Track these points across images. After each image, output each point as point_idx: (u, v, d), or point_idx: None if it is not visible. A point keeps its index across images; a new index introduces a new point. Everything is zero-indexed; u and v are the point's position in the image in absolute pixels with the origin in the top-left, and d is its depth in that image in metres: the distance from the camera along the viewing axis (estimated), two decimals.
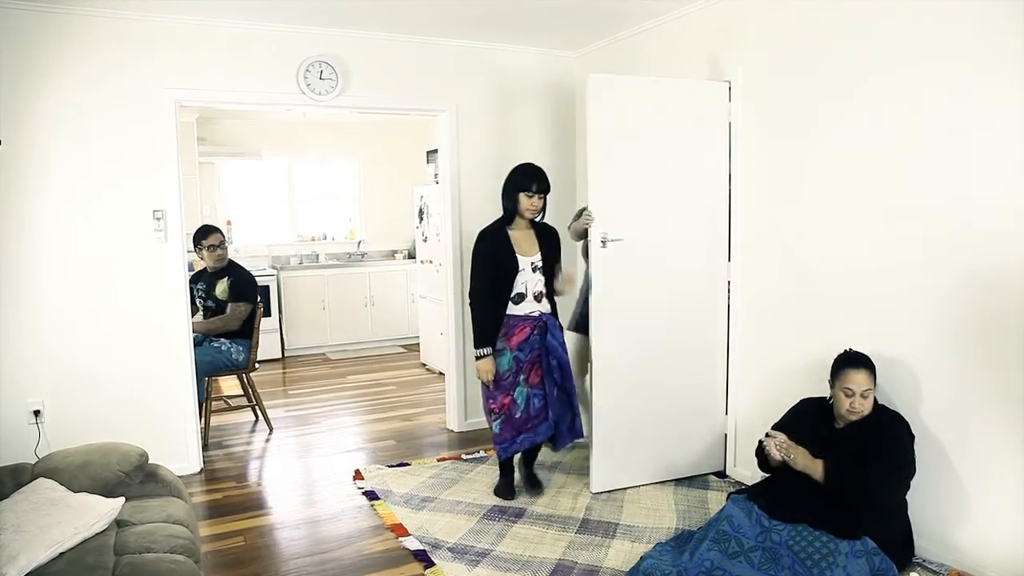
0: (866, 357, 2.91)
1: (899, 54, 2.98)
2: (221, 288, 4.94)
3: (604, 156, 3.67)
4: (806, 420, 3.04)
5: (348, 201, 8.51)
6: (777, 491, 2.85)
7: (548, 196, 3.68)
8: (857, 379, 2.84)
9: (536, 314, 3.65)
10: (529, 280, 3.64)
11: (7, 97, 3.69)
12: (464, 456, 4.40)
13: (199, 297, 4.99)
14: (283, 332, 7.57)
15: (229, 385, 5.99)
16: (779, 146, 3.58)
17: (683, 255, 3.92)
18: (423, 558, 3.13)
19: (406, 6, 4.00)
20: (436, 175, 6.74)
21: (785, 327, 3.62)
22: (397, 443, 4.76)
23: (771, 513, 2.78)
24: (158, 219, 4.06)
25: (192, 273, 4.90)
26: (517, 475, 3.88)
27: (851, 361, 2.89)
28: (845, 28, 3.20)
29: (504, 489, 3.78)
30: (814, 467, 2.80)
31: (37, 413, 3.86)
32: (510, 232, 3.67)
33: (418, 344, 7.43)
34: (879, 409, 2.92)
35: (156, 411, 4.12)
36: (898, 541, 2.79)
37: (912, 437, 2.83)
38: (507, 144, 4.97)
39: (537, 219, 3.71)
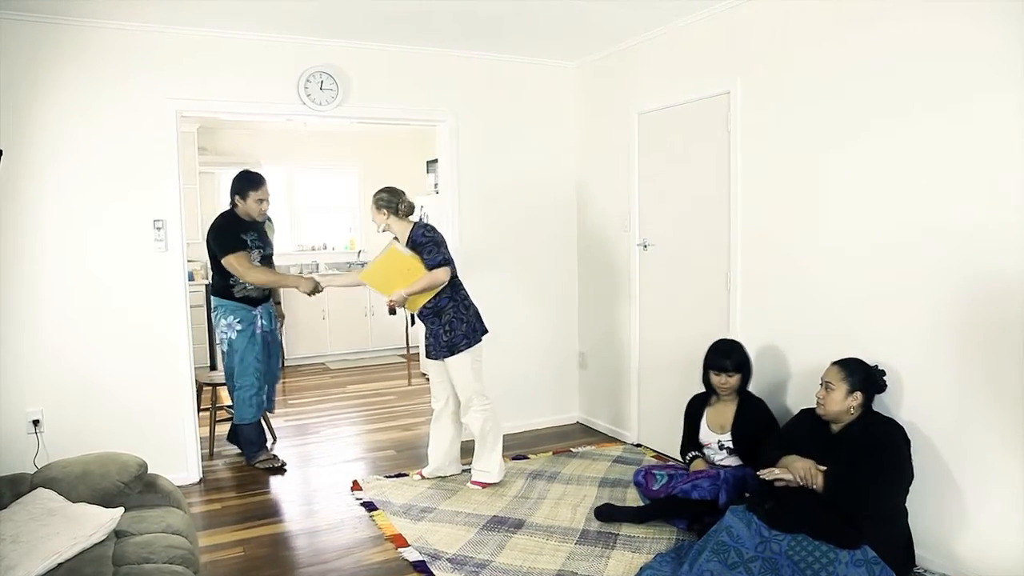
0: (846, 359, 3.00)
1: (900, 62, 3.00)
2: (272, 231, 4.59)
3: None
4: (804, 428, 3.05)
5: (348, 210, 8.53)
6: (777, 501, 2.84)
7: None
8: (829, 371, 2.99)
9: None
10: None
11: (8, 107, 3.71)
12: (463, 466, 4.38)
13: (256, 248, 4.34)
14: (283, 341, 7.55)
15: None
16: (777, 154, 3.60)
17: (700, 258, 4.11)
18: (423, 569, 3.12)
19: (406, 17, 4.02)
20: (436, 185, 6.75)
21: (784, 334, 3.62)
22: (397, 453, 4.75)
23: (770, 523, 2.77)
24: (158, 229, 4.07)
25: (229, 222, 4.31)
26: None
27: (837, 359, 3.03)
28: (844, 32, 3.22)
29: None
30: (817, 480, 2.81)
31: (36, 423, 3.86)
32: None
33: (418, 354, 7.42)
34: (874, 415, 2.94)
35: (156, 421, 4.12)
36: (899, 550, 2.78)
37: (908, 442, 2.84)
38: (507, 154, 4.99)
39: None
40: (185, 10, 3.78)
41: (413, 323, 4.14)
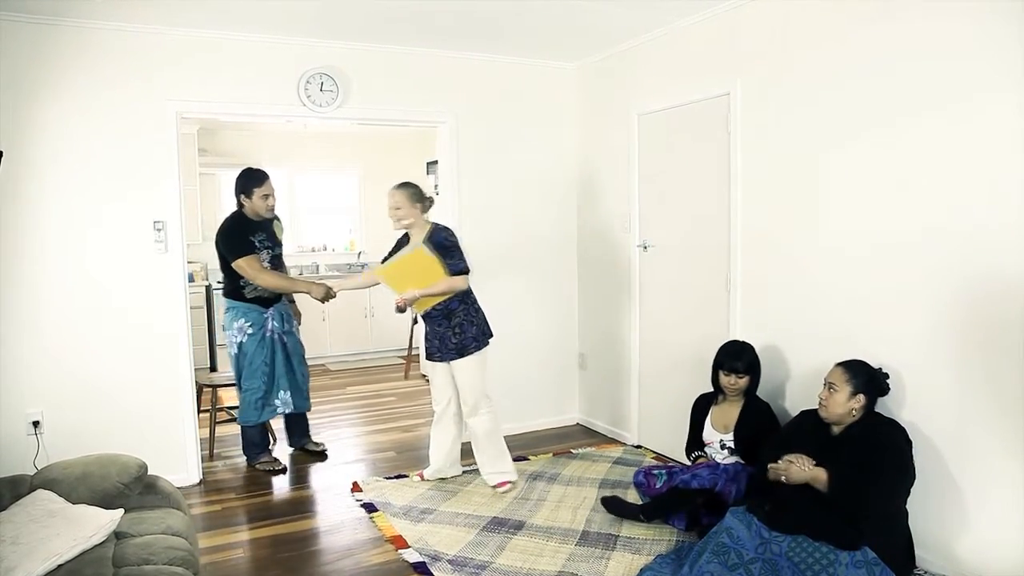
0: (850, 360, 2.99)
1: (899, 62, 3.00)
2: (280, 230, 4.56)
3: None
4: (805, 429, 3.05)
5: (348, 212, 8.53)
6: (777, 502, 2.84)
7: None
8: (832, 372, 2.98)
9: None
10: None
11: (8, 108, 3.71)
12: (463, 468, 4.38)
13: (265, 248, 4.34)
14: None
15: (231, 396, 5.97)
16: (777, 155, 3.60)
17: (700, 259, 4.12)
18: (423, 570, 3.12)
19: (406, 18, 4.03)
20: (436, 186, 6.75)
21: (784, 335, 3.62)
22: (397, 454, 4.75)
23: (771, 524, 2.77)
24: (158, 230, 4.07)
25: (237, 223, 4.33)
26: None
27: (841, 360, 3.02)
28: (844, 33, 3.23)
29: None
30: (819, 476, 2.81)
31: (36, 424, 3.85)
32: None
33: (418, 355, 7.41)
34: (875, 416, 2.93)
35: (156, 422, 4.12)
36: (899, 551, 2.78)
37: (910, 443, 2.83)
38: (507, 155, 4.99)
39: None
40: (185, 11, 3.78)
41: (416, 323, 4.10)
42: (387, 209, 3.99)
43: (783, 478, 2.86)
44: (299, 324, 4.72)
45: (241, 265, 4.18)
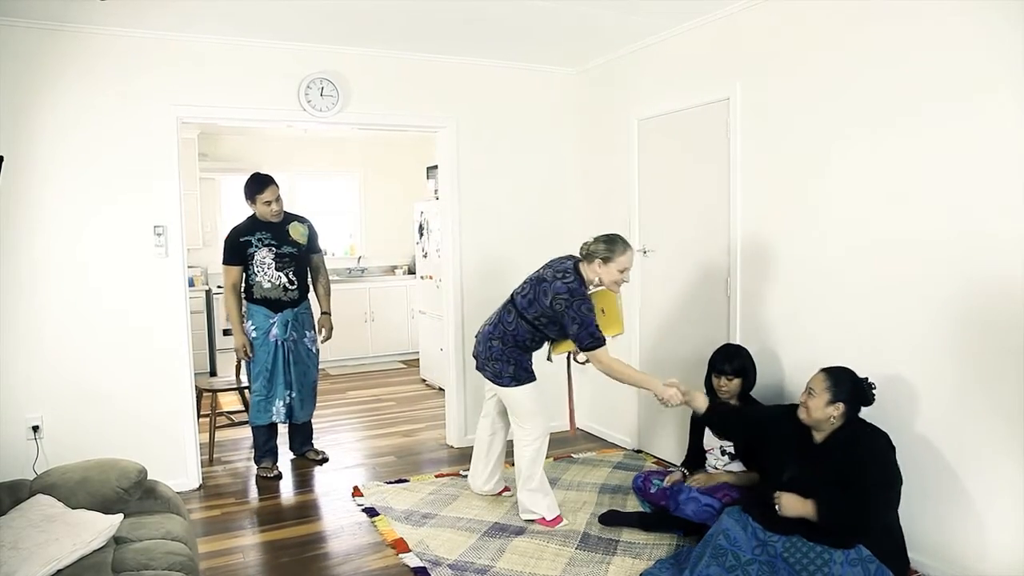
0: (835, 367, 2.90)
1: (899, 65, 3.01)
2: (299, 232, 4.50)
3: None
4: (787, 432, 2.97)
5: (348, 216, 8.54)
6: (772, 503, 2.82)
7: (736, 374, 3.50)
8: (815, 377, 2.88)
9: None
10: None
11: (9, 113, 3.71)
12: (463, 472, 4.37)
13: (265, 246, 4.35)
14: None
15: (229, 400, 5.98)
16: (777, 160, 3.60)
17: (700, 263, 4.12)
18: (424, 574, 3.12)
19: (407, 24, 4.04)
20: (436, 191, 6.75)
21: (784, 340, 3.62)
22: (397, 459, 4.74)
23: (766, 525, 2.76)
24: (159, 235, 4.07)
25: (236, 227, 4.45)
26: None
27: (824, 367, 2.94)
28: (843, 36, 3.23)
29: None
30: (805, 509, 2.73)
31: (36, 429, 3.85)
32: None
33: (418, 360, 7.42)
34: (857, 424, 2.84)
35: (155, 427, 4.11)
36: (894, 551, 2.74)
37: (893, 448, 2.76)
38: (507, 160, 5.00)
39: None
40: (185, 16, 3.79)
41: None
42: (619, 272, 3.56)
43: (777, 508, 2.81)
44: (325, 338, 4.74)
45: (223, 269, 4.40)
